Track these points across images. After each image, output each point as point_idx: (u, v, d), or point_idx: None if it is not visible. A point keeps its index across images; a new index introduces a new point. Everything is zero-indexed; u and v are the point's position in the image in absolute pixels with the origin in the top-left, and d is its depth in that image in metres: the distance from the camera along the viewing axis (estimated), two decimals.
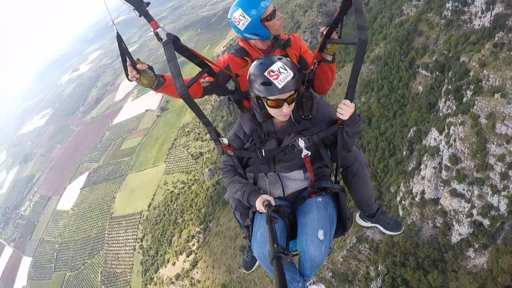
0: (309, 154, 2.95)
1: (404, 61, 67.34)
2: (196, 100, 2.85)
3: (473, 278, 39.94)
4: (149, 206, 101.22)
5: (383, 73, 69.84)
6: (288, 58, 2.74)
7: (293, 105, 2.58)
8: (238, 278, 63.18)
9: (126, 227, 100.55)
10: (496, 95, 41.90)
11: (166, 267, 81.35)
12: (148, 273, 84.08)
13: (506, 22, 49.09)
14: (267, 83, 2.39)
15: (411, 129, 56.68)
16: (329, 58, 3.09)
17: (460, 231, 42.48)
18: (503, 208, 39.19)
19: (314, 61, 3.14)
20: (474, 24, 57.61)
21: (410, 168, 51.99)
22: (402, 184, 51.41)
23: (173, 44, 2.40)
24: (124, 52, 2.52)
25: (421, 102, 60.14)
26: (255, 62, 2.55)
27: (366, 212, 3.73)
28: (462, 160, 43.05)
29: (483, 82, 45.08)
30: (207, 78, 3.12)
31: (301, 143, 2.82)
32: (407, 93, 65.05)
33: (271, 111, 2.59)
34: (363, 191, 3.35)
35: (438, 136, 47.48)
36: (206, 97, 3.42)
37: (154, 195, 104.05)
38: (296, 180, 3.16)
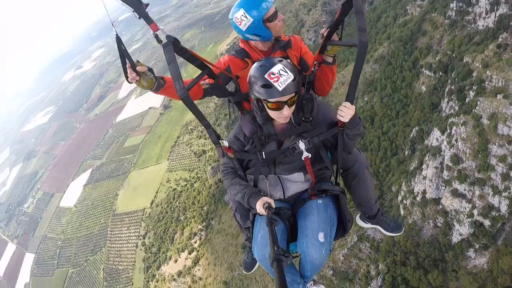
0: (309, 156, 2.92)
1: (407, 61, 67.27)
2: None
3: (473, 278, 39.85)
4: (151, 203, 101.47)
5: (387, 73, 69.79)
6: (288, 60, 2.75)
7: (293, 107, 2.56)
8: (239, 275, 63.35)
9: (129, 224, 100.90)
10: (499, 96, 41.81)
11: (168, 264, 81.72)
12: (150, 270, 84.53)
13: (510, 23, 48.89)
14: (268, 86, 2.37)
15: (414, 129, 56.66)
16: (330, 59, 3.10)
17: (461, 231, 42.41)
18: (503, 209, 39.11)
19: (315, 62, 3.14)
20: (478, 25, 57.51)
21: (412, 168, 51.97)
22: (403, 184, 51.39)
23: (173, 46, 2.41)
24: (123, 54, 2.51)
25: (424, 102, 60.10)
26: (255, 64, 2.52)
27: (367, 214, 3.72)
28: (463, 160, 43.02)
29: (486, 83, 44.97)
30: (207, 80, 3.12)
31: (302, 145, 2.81)
32: (410, 93, 64.98)
33: (272, 114, 2.56)
34: (363, 192, 3.34)
35: (440, 136, 47.45)
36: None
37: (156, 192, 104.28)
38: (296, 182, 3.15)
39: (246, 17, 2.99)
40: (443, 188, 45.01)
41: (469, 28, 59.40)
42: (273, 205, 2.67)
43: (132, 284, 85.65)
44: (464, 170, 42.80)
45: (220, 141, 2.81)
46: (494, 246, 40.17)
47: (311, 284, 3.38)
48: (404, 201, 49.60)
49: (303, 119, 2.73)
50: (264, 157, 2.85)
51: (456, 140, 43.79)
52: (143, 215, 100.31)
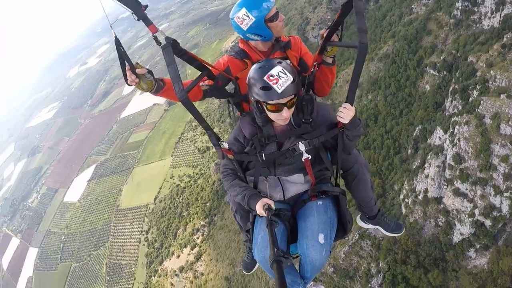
0: (309, 158, 2.92)
1: (412, 59, 67.18)
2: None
3: (473, 278, 39.69)
4: (155, 199, 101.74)
5: (391, 71, 69.75)
6: (288, 61, 2.83)
7: (293, 109, 2.58)
8: (241, 271, 63.52)
9: (132, 219, 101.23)
10: (502, 96, 41.60)
11: (170, 259, 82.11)
12: (152, 265, 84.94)
13: None
14: (267, 88, 2.38)
15: (417, 128, 56.62)
16: (329, 60, 3.09)
17: (462, 230, 42.29)
18: (505, 209, 38.97)
19: (314, 63, 3.13)
20: (484, 25, 57.33)
21: (414, 167, 51.87)
22: (406, 182, 51.35)
23: (172, 48, 2.39)
24: (123, 57, 2.49)
25: (428, 101, 60.02)
26: (254, 66, 2.54)
27: (367, 214, 3.72)
28: (465, 160, 42.87)
29: (490, 82, 44.80)
30: (206, 81, 3.13)
31: (302, 146, 2.81)
32: (414, 92, 64.93)
33: (271, 115, 2.57)
34: (363, 193, 3.33)
35: (443, 135, 47.33)
36: None
37: (160, 188, 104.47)
38: (296, 184, 3.14)
39: (248, 16, 2.99)
40: (445, 187, 44.88)
41: (474, 28, 59.21)
42: (273, 206, 2.69)
43: (135, 279, 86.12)
44: (466, 170, 42.62)
45: (220, 143, 2.83)
46: (495, 247, 39.98)
47: (311, 285, 3.39)
48: (406, 200, 49.51)
49: (303, 120, 2.74)
50: (264, 158, 2.86)
51: (459, 139, 43.60)
52: (146, 210, 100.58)
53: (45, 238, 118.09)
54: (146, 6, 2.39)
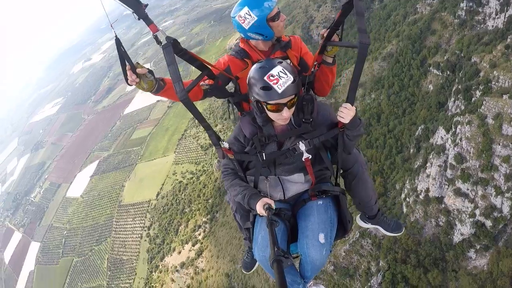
0: (310, 157, 2.92)
1: (415, 59, 67.18)
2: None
3: (473, 279, 39.50)
4: (157, 195, 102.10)
5: (394, 71, 69.74)
6: (288, 61, 2.85)
7: (293, 109, 2.56)
8: (241, 268, 63.79)
9: (134, 215, 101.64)
10: (505, 96, 41.48)
11: (171, 255, 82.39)
12: (153, 260, 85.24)
13: None
14: (267, 88, 2.37)
15: (419, 127, 56.58)
16: (330, 60, 3.09)
17: (462, 231, 42.16)
18: (506, 210, 38.79)
19: (315, 63, 3.13)
20: (488, 25, 57.26)
21: (416, 166, 51.80)
22: (407, 182, 51.30)
23: (173, 48, 2.39)
24: (123, 56, 2.48)
25: (431, 101, 60.02)
26: (255, 66, 2.53)
27: (367, 214, 3.71)
28: (467, 160, 42.75)
29: (493, 83, 44.76)
30: (207, 81, 3.14)
31: (302, 146, 2.80)
32: (417, 92, 64.91)
33: (271, 115, 2.56)
34: (363, 192, 3.32)
35: (445, 135, 47.19)
36: None
37: (162, 184, 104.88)
38: (296, 183, 3.12)
39: (250, 15, 3.00)
40: (446, 186, 44.77)
41: (478, 28, 59.17)
42: (273, 206, 2.68)
43: (136, 274, 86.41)
44: (468, 170, 42.50)
45: (220, 143, 2.81)
46: (495, 248, 39.80)
47: (311, 284, 3.38)
48: (407, 199, 49.46)
49: (303, 120, 2.74)
50: (264, 158, 2.85)
51: (461, 139, 43.49)
52: (148, 206, 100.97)
53: (47, 233, 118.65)
54: (146, 5, 2.37)
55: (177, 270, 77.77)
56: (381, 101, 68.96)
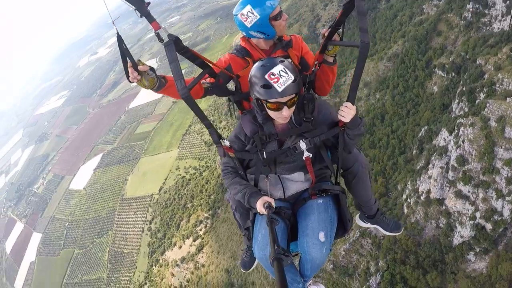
0: (310, 156, 2.91)
1: (421, 60, 66.98)
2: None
3: (471, 282, 39.31)
4: (160, 189, 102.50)
5: (399, 71, 69.57)
6: (289, 60, 2.87)
7: (293, 108, 2.56)
8: (240, 267, 64.02)
9: (136, 209, 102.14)
10: (508, 99, 41.09)
11: (172, 250, 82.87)
12: (154, 254, 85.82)
13: None
14: (267, 86, 2.37)
15: (423, 128, 56.46)
16: (330, 59, 3.13)
17: (462, 233, 41.97)
18: (506, 213, 38.48)
19: (316, 62, 3.17)
20: (494, 27, 56.88)
21: (418, 167, 51.62)
22: (409, 182, 51.15)
23: (175, 45, 2.40)
24: (125, 53, 2.48)
25: (435, 103, 59.82)
26: (256, 64, 2.53)
27: (366, 213, 3.72)
28: (469, 162, 42.50)
29: (497, 85, 44.46)
30: (208, 79, 3.14)
31: (303, 145, 2.80)
32: (422, 93, 64.78)
33: (271, 114, 2.56)
34: (363, 192, 3.33)
35: (447, 137, 46.96)
36: None
37: (165, 179, 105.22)
38: (297, 182, 3.14)
39: (252, 13, 3.02)
40: (448, 188, 44.56)
41: (484, 30, 58.79)
42: (274, 204, 2.68)
43: (136, 267, 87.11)
44: (469, 172, 42.23)
45: (221, 141, 2.83)
46: (495, 251, 39.59)
47: (310, 283, 3.40)
48: (408, 200, 49.30)
49: (304, 119, 2.74)
50: (265, 156, 2.85)
51: (463, 141, 43.22)
52: (151, 200, 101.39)
53: (49, 224, 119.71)
54: (149, 3, 2.36)
55: (177, 265, 78.19)
56: (385, 101, 68.81)
